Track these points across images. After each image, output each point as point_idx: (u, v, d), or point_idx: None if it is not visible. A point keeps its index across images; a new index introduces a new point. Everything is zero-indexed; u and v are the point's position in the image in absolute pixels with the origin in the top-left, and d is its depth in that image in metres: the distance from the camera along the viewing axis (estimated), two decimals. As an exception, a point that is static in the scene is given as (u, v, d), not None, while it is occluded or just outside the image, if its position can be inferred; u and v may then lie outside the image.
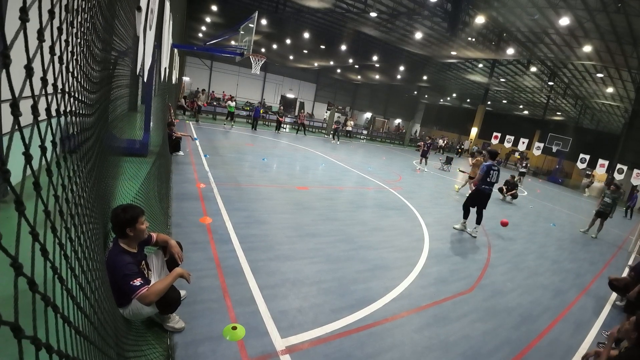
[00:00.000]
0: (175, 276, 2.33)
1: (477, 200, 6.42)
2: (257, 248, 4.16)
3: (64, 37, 0.87)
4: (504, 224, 7.00)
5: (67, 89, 0.97)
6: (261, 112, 19.51)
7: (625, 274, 5.03)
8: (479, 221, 6.43)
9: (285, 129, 21.83)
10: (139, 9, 2.89)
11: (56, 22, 0.80)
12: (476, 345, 3.15)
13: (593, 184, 14.95)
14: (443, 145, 27.59)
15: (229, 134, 14.55)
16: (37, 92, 0.65)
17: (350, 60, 28.84)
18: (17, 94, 0.57)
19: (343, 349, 2.70)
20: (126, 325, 2.34)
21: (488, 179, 6.27)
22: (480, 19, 15.98)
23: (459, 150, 28.98)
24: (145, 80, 6.64)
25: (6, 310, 0.55)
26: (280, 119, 19.44)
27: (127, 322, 2.37)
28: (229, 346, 2.50)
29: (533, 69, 22.58)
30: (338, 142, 20.07)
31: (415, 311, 3.50)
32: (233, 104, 17.56)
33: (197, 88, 30.47)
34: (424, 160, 15.89)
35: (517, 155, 25.64)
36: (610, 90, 21.78)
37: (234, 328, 2.67)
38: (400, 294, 3.76)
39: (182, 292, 2.80)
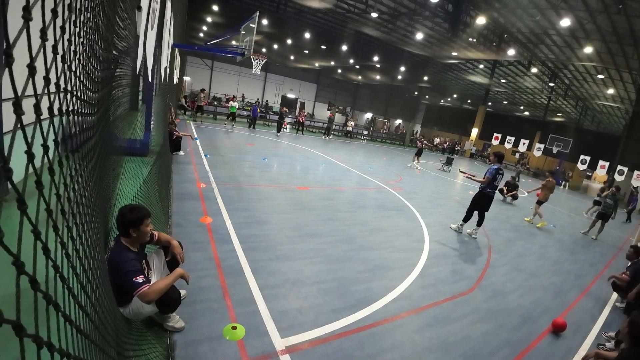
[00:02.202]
0: (177, 276, 2.34)
1: (481, 203, 6.39)
2: (257, 248, 4.16)
3: (66, 36, 0.88)
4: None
5: (69, 88, 0.97)
6: (258, 110, 19.50)
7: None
8: (480, 223, 6.42)
9: (286, 129, 21.88)
10: (139, 8, 2.90)
11: (59, 22, 0.80)
12: (476, 345, 3.15)
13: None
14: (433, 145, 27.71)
15: (229, 134, 14.55)
16: (39, 91, 0.65)
17: (351, 61, 28.86)
18: (19, 93, 0.57)
19: (343, 349, 2.70)
20: (126, 324, 2.34)
21: (494, 183, 6.24)
22: (481, 20, 15.97)
23: (456, 149, 28.91)
24: (149, 79, 6.63)
25: (8, 308, 0.55)
26: (284, 123, 19.40)
27: (127, 321, 2.37)
28: (229, 346, 2.50)
29: (534, 70, 22.56)
30: (325, 138, 20.96)
31: (416, 312, 3.50)
32: (235, 104, 17.59)
33: (198, 89, 30.45)
34: (417, 158, 15.96)
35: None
36: (611, 91, 21.75)
37: (234, 328, 2.67)
38: (400, 294, 3.76)
39: (182, 292, 2.80)
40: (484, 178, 6.26)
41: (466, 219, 6.53)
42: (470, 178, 6.49)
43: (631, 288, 4.47)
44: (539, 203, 8.99)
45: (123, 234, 2.28)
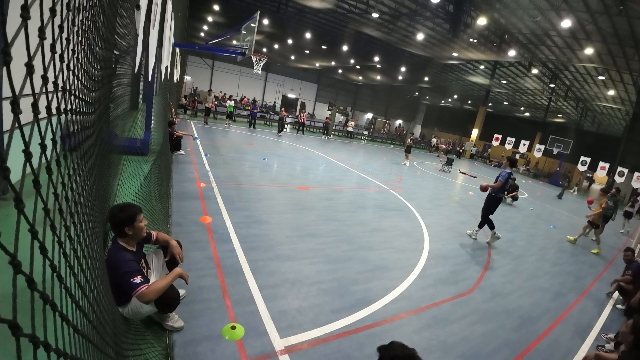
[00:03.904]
0: (175, 276, 2.34)
1: (493, 207, 6.32)
2: (257, 248, 4.16)
3: (65, 35, 0.87)
4: (483, 189, 6.25)
5: (67, 87, 0.97)
6: (257, 110, 19.40)
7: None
8: (481, 225, 6.38)
9: (287, 129, 21.90)
10: (138, 7, 2.90)
11: (57, 20, 0.80)
12: (476, 346, 3.14)
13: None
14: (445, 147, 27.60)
15: (229, 134, 14.55)
16: (37, 90, 0.65)
17: (352, 61, 28.85)
18: (17, 92, 0.57)
19: (342, 350, 2.70)
20: (125, 324, 2.34)
21: (505, 186, 6.23)
22: (482, 21, 15.97)
23: (460, 151, 28.81)
24: (149, 79, 6.64)
25: (5, 308, 0.55)
26: (283, 115, 19.19)
27: (126, 321, 2.37)
28: (228, 346, 2.50)
29: (534, 71, 22.56)
30: (325, 137, 21.10)
31: (415, 312, 3.50)
32: (233, 103, 17.63)
33: (196, 87, 30.39)
34: (407, 155, 16.18)
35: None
36: (611, 92, 21.75)
37: (233, 327, 2.67)
38: (399, 295, 3.76)
39: (182, 292, 2.80)
40: (496, 182, 6.12)
41: (491, 225, 6.33)
42: (489, 186, 6.19)
43: (635, 289, 4.47)
44: (595, 226, 7.82)
45: (119, 234, 2.27)
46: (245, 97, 30.86)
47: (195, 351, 2.38)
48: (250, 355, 2.45)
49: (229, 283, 3.28)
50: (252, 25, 10.81)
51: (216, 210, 5.11)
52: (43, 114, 0.71)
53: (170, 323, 2.50)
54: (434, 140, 29.83)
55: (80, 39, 1.11)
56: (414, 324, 3.29)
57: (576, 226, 10.12)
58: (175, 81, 12.44)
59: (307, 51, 28.64)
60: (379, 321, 3.19)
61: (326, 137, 21.38)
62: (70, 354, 0.82)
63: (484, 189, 6.21)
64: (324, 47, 26.24)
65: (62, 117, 0.90)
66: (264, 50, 27.96)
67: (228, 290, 3.15)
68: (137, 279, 2.11)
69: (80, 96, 1.18)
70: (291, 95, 39.61)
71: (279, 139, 16.03)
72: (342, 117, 35.52)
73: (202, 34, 28.40)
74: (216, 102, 20.05)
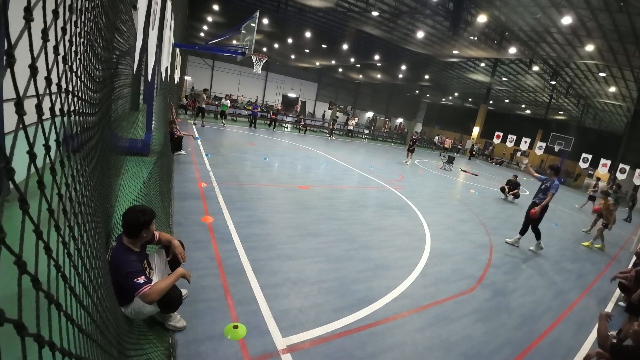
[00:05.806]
0: (178, 276, 2.35)
1: (542, 215, 6.22)
2: (258, 247, 4.17)
3: (67, 37, 0.88)
4: (536, 214, 6.12)
5: (70, 89, 0.97)
6: (258, 109, 19.31)
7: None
8: (538, 235, 6.32)
9: (287, 127, 21.90)
10: (135, 7, 2.90)
11: (60, 22, 0.80)
12: (477, 345, 3.15)
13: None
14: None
15: (230, 134, 14.56)
16: (41, 92, 0.65)
17: (352, 60, 28.82)
18: (21, 93, 0.57)
19: (344, 349, 2.71)
20: (128, 323, 2.35)
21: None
22: (482, 18, 15.93)
23: (473, 152, 28.07)
24: (149, 79, 6.64)
25: (10, 308, 0.55)
26: (274, 116, 19.30)
27: (128, 320, 2.38)
28: (230, 345, 2.51)
29: (535, 68, 22.49)
30: (330, 138, 21.12)
31: (417, 311, 3.50)
32: (227, 102, 17.56)
33: (193, 87, 30.36)
34: (410, 154, 16.16)
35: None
36: (612, 89, 21.67)
37: (235, 327, 2.68)
38: (401, 293, 3.76)
39: (184, 291, 2.81)
40: (549, 195, 5.97)
41: (523, 231, 6.38)
42: (543, 206, 6.02)
43: (636, 286, 4.45)
44: (606, 227, 7.85)
45: (132, 235, 2.28)
46: (274, 102, 31.00)
47: (197, 351, 2.39)
48: (252, 354, 2.46)
49: (230, 283, 3.29)
50: (252, 24, 10.80)
51: (217, 210, 5.12)
52: (47, 115, 0.72)
53: (172, 323, 2.51)
54: (436, 139, 29.73)
55: (82, 40, 1.12)
56: (415, 322, 3.30)
57: (578, 224, 10.10)
58: (175, 81, 12.45)
59: (307, 50, 28.62)
60: (380, 320, 3.19)
61: (330, 138, 21.31)
62: (75, 354, 0.82)
63: (537, 213, 6.03)
64: (324, 46, 26.21)
65: (66, 118, 0.91)
66: (264, 49, 27.99)
67: (230, 290, 3.16)
68: (140, 280, 2.12)
69: (83, 97, 1.19)
70: (291, 95, 39.60)
71: (280, 138, 16.03)
72: (344, 115, 35.52)
73: (202, 34, 28.42)
74: (210, 101, 19.95)
